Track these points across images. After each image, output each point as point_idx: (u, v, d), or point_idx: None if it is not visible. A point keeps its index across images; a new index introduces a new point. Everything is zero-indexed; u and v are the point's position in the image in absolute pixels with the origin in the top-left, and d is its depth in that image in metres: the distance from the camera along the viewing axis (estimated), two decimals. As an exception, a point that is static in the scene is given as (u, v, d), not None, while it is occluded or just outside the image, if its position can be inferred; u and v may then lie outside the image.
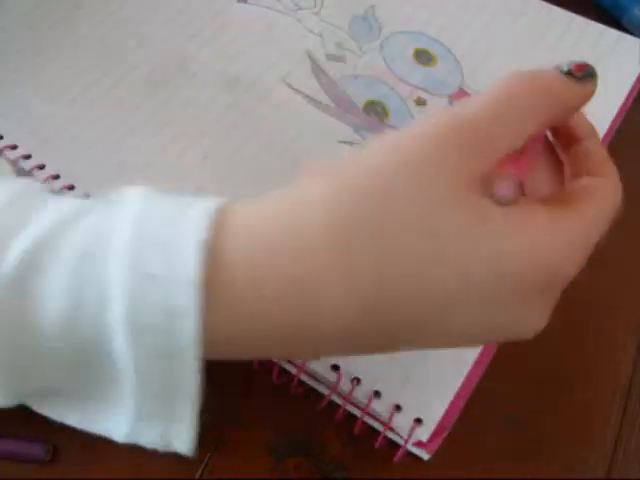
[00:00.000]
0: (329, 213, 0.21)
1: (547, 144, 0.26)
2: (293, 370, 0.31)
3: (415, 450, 0.30)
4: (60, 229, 0.21)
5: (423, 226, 0.21)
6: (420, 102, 0.41)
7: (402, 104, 0.40)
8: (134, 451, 0.24)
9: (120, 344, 0.21)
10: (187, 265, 0.20)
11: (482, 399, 0.31)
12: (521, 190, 0.23)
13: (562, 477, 0.31)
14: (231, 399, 0.31)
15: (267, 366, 0.31)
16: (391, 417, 0.30)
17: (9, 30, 0.41)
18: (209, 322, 0.21)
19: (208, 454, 0.30)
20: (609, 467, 0.31)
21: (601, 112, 0.41)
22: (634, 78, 0.43)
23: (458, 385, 0.31)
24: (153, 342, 0.21)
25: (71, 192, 0.35)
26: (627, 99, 0.42)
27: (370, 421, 0.31)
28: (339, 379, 0.30)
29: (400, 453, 0.30)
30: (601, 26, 0.45)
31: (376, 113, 0.40)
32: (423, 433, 0.29)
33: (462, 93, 0.41)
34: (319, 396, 0.31)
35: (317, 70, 0.42)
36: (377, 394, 0.30)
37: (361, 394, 0.30)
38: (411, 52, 0.43)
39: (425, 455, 0.30)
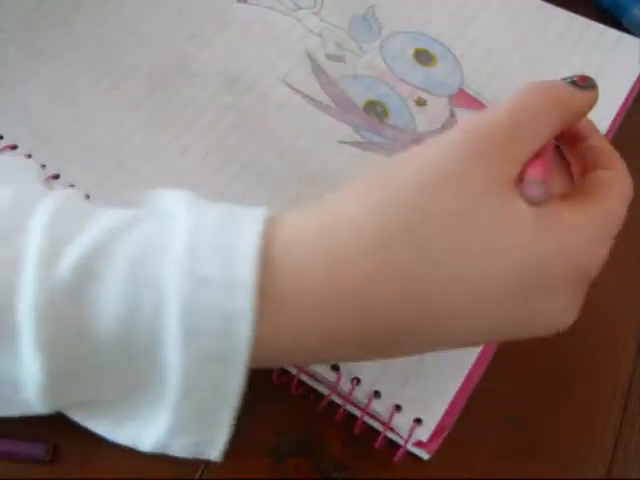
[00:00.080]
0: (374, 225, 0.22)
1: (554, 146, 0.27)
2: (293, 370, 0.31)
3: (415, 450, 0.30)
4: (114, 236, 0.22)
5: (461, 232, 0.22)
6: (420, 102, 0.41)
7: (402, 104, 0.41)
8: (134, 451, 0.25)
9: (172, 347, 0.21)
10: (243, 269, 0.21)
11: (482, 399, 0.31)
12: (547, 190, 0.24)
13: (562, 477, 0.31)
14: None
15: (267, 366, 0.31)
16: (391, 417, 0.30)
17: (9, 30, 0.41)
18: (261, 327, 0.21)
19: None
20: (609, 467, 0.31)
21: (601, 112, 0.41)
22: (634, 78, 0.43)
23: (458, 385, 0.31)
24: (206, 345, 0.21)
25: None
26: (627, 99, 0.42)
27: (370, 421, 0.31)
28: (339, 379, 0.30)
29: (400, 453, 0.30)
30: (601, 26, 0.45)
31: (376, 113, 0.40)
32: (423, 433, 0.29)
33: (462, 93, 0.41)
34: (319, 396, 0.31)
35: (317, 70, 0.42)
36: (377, 394, 0.30)
37: (361, 394, 0.30)
38: (411, 52, 0.43)
39: (425, 455, 0.30)
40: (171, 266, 0.21)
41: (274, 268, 0.22)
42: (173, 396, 0.22)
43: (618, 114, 0.41)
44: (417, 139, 0.39)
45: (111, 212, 0.23)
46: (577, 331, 0.34)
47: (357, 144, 0.38)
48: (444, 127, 0.40)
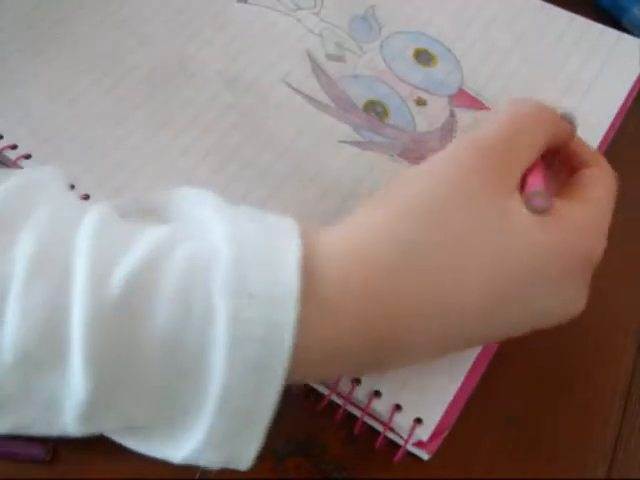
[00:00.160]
0: (395, 232, 0.25)
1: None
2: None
3: (415, 450, 0.30)
4: (160, 254, 0.23)
5: (472, 236, 0.25)
6: (420, 102, 0.41)
7: (402, 104, 0.41)
8: (134, 452, 0.25)
9: (217, 356, 0.22)
10: (288, 283, 0.22)
11: (482, 399, 0.31)
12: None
13: (562, 477, 0.31)
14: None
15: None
16: (391, 417, 0.30)
17: (9, 30, 0.41)
18: (304, 335, 0.22)
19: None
20: (609, 467, 0.31)
21: (601, 112, 0.41)
22: (634, 78, 0.43)
23: (458, 385, 0.31)
24: (250, 352, 0.22)
25: (71, 192, 0.35)
26: (627, 99, 0.42)
27: (370, 421, 0.31)
28: (339, 379, 0.30)
29: (400, 453, 0.30)
30: (601, 26, 0.45)
31: (376, 113, 0.40)
32: (423, 433, 0.29)
33: (462, 93, 0.41)
34: (319, 396, 0.31)
35: (317, 70, 0.42)
36: (377, 394, 0.30)
37: (361, 394, 0.30)
38: (411, 52, 0.43)
39: (425, 455, 0.30)
40: (219, 283, 0.22)
41: (314, 279, 0.23)
42: (211, 407, 0.22)
43: (618, 114, 0.41)
44: (417, 139, 0.39)
45: (151, 229, 0.24)
46: (577, 331, 0.35)
47: (357, 144, 0.38)
48: (444, 127, 0.40)
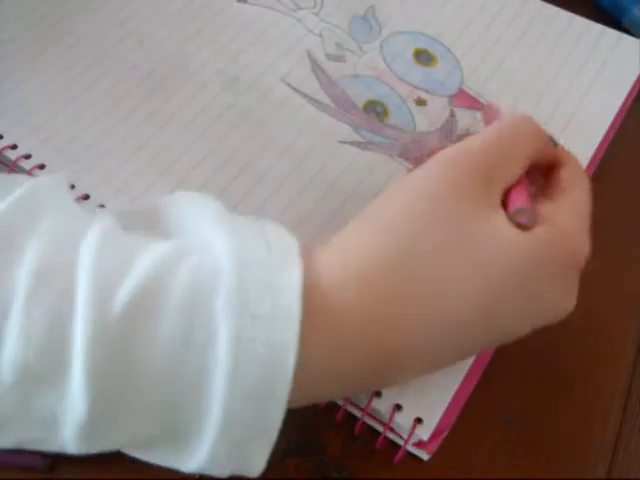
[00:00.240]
0: (382, 254, 0.25)
1: None
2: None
3: (415, 450, 0.30)
4: (163, 271, 0.23)
5: (459, 247, 0.25)
6: (420, 102, 0.41)
7: (402, 104, 0.41)
8: (135, 461, 0.25)
9: (219, 377, 0.22)
10: (289, 303, 0.22)
11: (482, 399, 0.31)
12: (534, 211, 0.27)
13: (562, 477, 0.31)
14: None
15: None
16: (391, 417, 0.30)
17: (9, 30, 0.41)
18: (305, 354, 0.22)
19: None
20: (609, 467, 0.31)
21: (601, 112, 0.41)
22: (634, 78, 0.43)
23: (458, 385, 0.31)
24: (253, 372, 0.22)
25: (71, 192, 0.35)
26: (627, 99, 0.42)
27: (370, 421, 0.31)
28: (339, 379, 0.30)
29: (400, 453, 0.30)
30: (601, 26, 0.45)
31: (376, 113, 0.40)
32: (423, 433, 0.29)
33: (462, 93, 0.41)
34: (319, 396, 0.31)
35: (317, 70, 0.42)
36: (377, 394, 0.30)
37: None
38: (411, 52, 0.43)
39: (425, 455, 0.30)
40: (222, 303, 0.22)
41: (314, 299, 0.23)
42: (214, 426, 0.22)
43: (618, 114, 0.41)
44: (417, 139, 0.39)
45: (154, 244, 0.24)
46: (577, 331, 0.35)
47: (357, 144, 0.38)
48: (444, 127, 0.40)
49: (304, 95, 0.40)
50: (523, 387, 0.33)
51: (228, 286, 0.22)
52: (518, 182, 0.27)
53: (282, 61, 0.42)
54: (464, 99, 0.41)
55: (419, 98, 0.41)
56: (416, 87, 0.41)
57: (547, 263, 0.26)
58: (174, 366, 0.22)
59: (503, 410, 0.32)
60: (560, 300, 0.27)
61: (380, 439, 0.30)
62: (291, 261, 0.23)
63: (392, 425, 0.30)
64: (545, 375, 0.33)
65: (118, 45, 0.41)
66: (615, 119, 0.41)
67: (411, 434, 0.29)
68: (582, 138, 0.40)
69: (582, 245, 0.27)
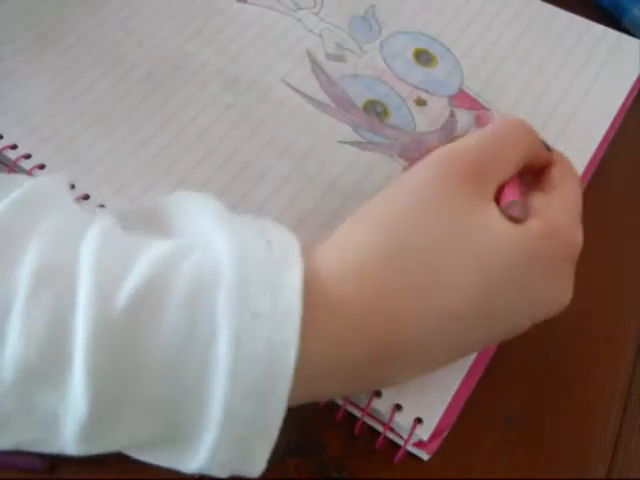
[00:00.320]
0: (380, 251, 0.25)
1: None
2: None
3: (415, 450, 0.30)
4: (166, 269, 0.23)
5: (454, 239, 0.25)
6: (420, 102, 0.41)
7: (402, 104, 0.41)
8: (136, 463, 0.25)
9: (219, 376, 0.22)
10: (290, 302, 0.22)
11: (482, 399, 0.31)
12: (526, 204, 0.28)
13: (562, 477, 0.31)
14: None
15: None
16: (391, 417, 0.30)
17: (9, 30, 0.41)
18: (306, 350, 0.22)
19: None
20: (609, 467, 0.31)
21: (601, 112, 0.41)
22: (634, 78, 0.43)
23: (458, 385, 0.31)
24: (253, 371, 0.22)
25: (71, 192, 0.35)
26: (627, 99, 0.42)
27: (370, 421, 0.31)
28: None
29: (400, 453, 0.30)
30: (601, 27, 0.45)
31: (376, 113, 0.40)
32: (423, 433, 0.29)
33: (462, 93, 0.41)
34: (319, 396, 0.31)
35: (317, 70, 0.42)
36: (377, 394, 0.30)
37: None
38: (411, 52, 0.43)
39: (425, 455, 0.30)
40: (223, 302, 0.22)
41: (314, 296, 0.23)
42: (215, 425, 0.22)
43: (618, 114, 0.41)
44: (417, 139, 0.39)
45: (155, 243, 0.24)
46: (577, 331, 0.35)
47: (357, 144, 0.38)
48: (444, 127, 0.40)
49: (304, 95, 0.40)
50: (523, 387, 0.33)
51: (229, 284, 0.22)
52: (510, 179, 0.28)
53: (282, 61, 0.42)
54: (464, 99, 0.41)
55: (419, 98, 0.41)
56: (416, 87, 0.41)
57: (540, 255, 0.26)
58: (175, 363, 0.22)
59: (503, 410, 0.32)
60: (557, 292, 0.27)
61: (380, 439, 0.30)
62: (292, 260, 0.24)
63: (392, 425, 0.30)
64: (545, 375, 0.33)
65: (118, 45, 0.41)
66: (615, 119, 0.41)
67: (411, 434, 0.29)
68: (582, 138, 0.40)
69: (575, 236, 0.27)
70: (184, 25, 0.43)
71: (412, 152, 0.38)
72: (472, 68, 0.43)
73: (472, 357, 0.31)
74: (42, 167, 0.36)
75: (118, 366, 0.22)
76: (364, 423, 0.31)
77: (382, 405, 0.30)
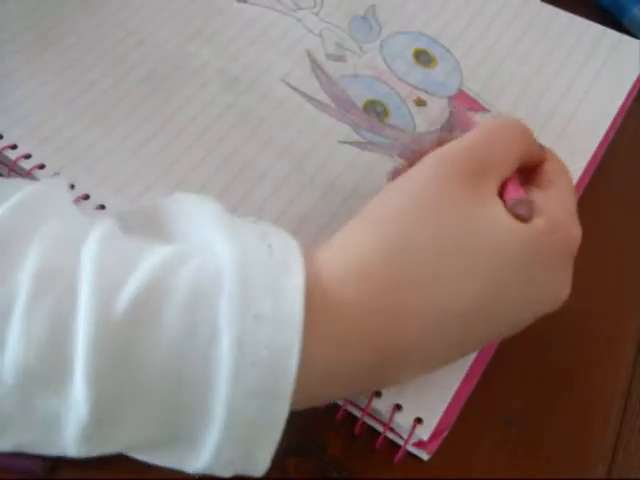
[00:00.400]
0: (381, 252, 0.25)
1: None
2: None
3: (415, 450, 0.30)
4: (167, 274, 0.23)
5: (456, 237, 0.25)
6: (420, 102, 0.41)
7: (402, 104, 0.41)
8: (137, 466, 0.25)
9: (221, 380, 0.22)
10: (291, 305, 0.22)
11: (482, 399, 0.31)
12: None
13: (562, 477, 0.31)
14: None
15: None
16: (391, 417, 0.30)
17: (9, 30, 0.41)
18: (307, 353, 0.22)
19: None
20: (609, 467, 0.31)
21: (601, 112, 0.41)
22: (634, 78, 0.43)
23: (458, 385, 0.31)
24: (255, 375, 0.22)
25: (71, 192, 0.35)
26: (627, 99, 0.42)
27: (370, 421, 0.31)
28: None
29: (400, 453, 0.30)
30: (601, 27, 0.45)
31: (376, 113, 0.40)
32: (423, 433, 0.29)
33: (462, 94, 0.41)
34: (319, 396, 0.31)
35: (317, 70, 0.42)
36: (377, 394, 0.30)
37: (361, 394, 0.30)
38: (411, 52, 0.43)
39: (425, 455, 0.30)
40: (225, 305, 0.22)
41: (316, 298, 0.23)
42: (217, 429, 0.22)
43: (618, 114, 0.41)
44: (417, 139, 0.39)
45: (156, 248, 0.24)
46: (577, 331, 0.35)
47: (357, 144, 0.38)
48: (443, 128, 0.40)
49: (304, 95, 0.40)
50: (523, 387, 0.33)
51: (230, 288, 0.22)
52: (511, 177, 0.28)
53: (282, 61, 0.42)
54: (464, 100, 0.41)
55: (419, 99, 0.41)
56: (416, 87, 0.41)
57: (542, 250, 0.26)
58: (176, 365, 0.22)
59: (503, 410, 0.32)
60: (557, 286, 0.28)
61: (380, 439, 0.30)
62: (293, 263, 0.24)
63: (392, 425, 0.30)
64: (545, 375, 0.33)
65: (118, 45, 0.41)
66: (615, 119, 0.41)
67: (411, 434, 0.29)
68: (582, 138, 0.40)
69: (574, 231, 0.28)
70: (184, 25, 0.43)
71: (412, 152, 0.38)
72: (472, 69, 0.43)
73: (472, 357, 0.31)
74: (42, 167, 0.36)
75: (119, 369, 0.22)
76: (364, 423, 0.31)
77: (382, 405, 0.30)
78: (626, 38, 0.45)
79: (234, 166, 0.37)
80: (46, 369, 0.22)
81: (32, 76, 0.39)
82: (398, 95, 0.41)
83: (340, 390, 0.26)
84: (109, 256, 0.23)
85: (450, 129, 0.40)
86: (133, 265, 0.23)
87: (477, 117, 0.31)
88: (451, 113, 0.41)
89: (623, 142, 0.41)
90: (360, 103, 0.40)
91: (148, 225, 0.27)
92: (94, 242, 0.23)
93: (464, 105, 0.41)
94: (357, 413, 0.31)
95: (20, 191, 0.25)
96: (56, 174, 0.35)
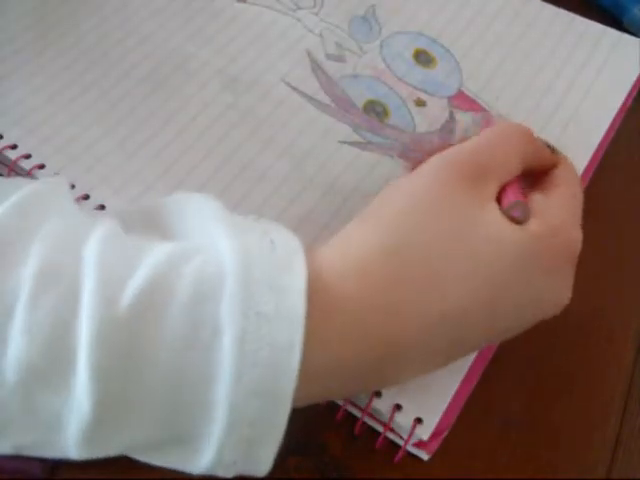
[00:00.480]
0: (383, 252, 0.25)
1: None
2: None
3: (415, 450, 0.30)
4: (170, 271, 0.23)
5: (456, 239, 0.26)
6: (420, 103, 0.41)
7: (402, 104, 0.41)
8: (138, 469, 0.25)
9: (223, 377, 0.22)
10: (294, 303, 0.22)
11: (482, 399, 0.31)
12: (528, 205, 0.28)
13: (562, 477, 0.31)
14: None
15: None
16: (391, 417, 0.30)
17: (9, 30, 0.41)
18: (308, 351, 0.22)
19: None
20: (609, 467, 0.31)
21: (601, 112, 0.41)
22: (634, 78, 0.43)
23: (458, 385, 0.31)
24: (257, 374, 0.22)
25: (71, 192, 0.35)
26: (627, 99, 0.42)
27: (370, 421, 0.31)
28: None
29: (400, 453, 0.30)
30: (601, 26, 0.45)
31: (376, 113, 0.40)
32: (423, 433, 0.29)
33: (461, 94, 0.41)
34: (319, 396, 0.31)
35: (317, 70, 0.42)
36: (377, 394, 0.30)
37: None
38: (411, 52, 0.43)
39: (425, 455, 0.30)
40: (227, 302, 0.22)
41: (318, 296, 0.23)
42: (220, 427, 0.22)
43: (618, 114, 0.41)
44: (417, 139, 0.39)
45: (158, 246, 0.24)
46: (577, 332, 0.35)
47: (357, 144, 0.38)
48: (443, 128, 0.40)
49: (304, 95, 0.40)
50: (523, 387, 0.33)
51: (233, 285, 0.22)
52: (512, 181, 0.28)
53: (282, 61, 0.42)
54: (463, 100, 0.41)
55: (419, 99, 0.41)
56: (415, 88, 0.41)
57: (540, 253, 0.27)
58: (179, 363, 0.22)
59: (503, 410, 0.32)
60: (557, 291, 0.28)
61: (380, 439, 0.30)
62: (295, 260, 0.24)
63: (392, 425, 0.30)
64: (545, 375, 0.33)
65: (118, 45, 0.41)
66: (615, 119, 0.41)
67: (411, 434, 0.29)
68: (582, 138, 0.40)
69: (573, 235, 0.28)
70: (184, 25, 0.43)
71: (412, 152, 0.38)
72: (472, 69, 0.43)
73: (472, 357, 0.31)
74: (42, 167, 0.36)
75: (122, 366, 0.22)
76: (364, 423, 0.31)
77: (382, 405, 0.30)
78: (626, 37, 0.45)
79: (234, 166, 0.37)
80: (49, 365, 0.22)
81: (32, 76, 0.39)
82: (398, 95, 0.41)
83: (340, 387, 0.26)
84: (112, 254, 0.23)
85: (450, 129, 0.40)
86: (136, 262, 0.23)
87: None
88: (451, 113, 0.40)
89: (623, 142, 0.41)
90: (360, 103, 0.40)
91: (149, 224, 0.27)
92: (96, 241, 0.23)
93: (464, 105, 0.41)
94: (357, 413, 0.31)
95: (21, 190, 0.25)
96: (56, 174, 0.35)
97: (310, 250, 0.25)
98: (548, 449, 0.31)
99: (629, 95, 0.42)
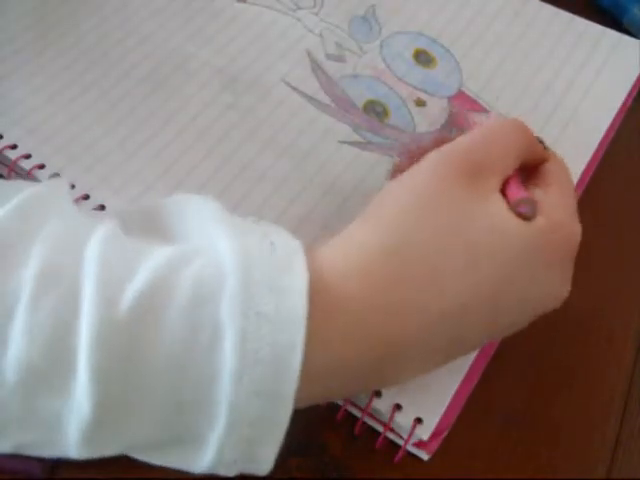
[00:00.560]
0: (384, 250, 0.25)
1: None
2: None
3: (415, 450, 0.30)
4: (170, 273, 0.23)
5: (456, 235, 0.26)
6: (420, 103, 0.41)
7: (402, 104, 0.41)
8: (134, 461, 0.24)
9: (224, 378, 0.22)
10: (295, 304, 0.22)
11: (482, 399, 0.31)
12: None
13: (562, 477, 0.31)
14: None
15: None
16: (391, 417, 0.30)
17: (9, 30, 0.41)
18: (309, 351, 0.22)
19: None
20: (609, 467, 0.31)
21: (601, 112, 0.41)
22: (634, 78, 0.43)
23: (458, 385, 0.31)
24: (258, 374, 0.22)
25: (71, 192, 0.35)
26: (627, 99, 0.42)
27: (370, 421, 0.31)
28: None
29: (400, 453, 0.30)
30: (601, 27, 0.45)
31: (376, 113, 0.40)
32: (423, 433, 0.29)
33: (461, 94, 0.41)
34: (319, 396, 0.31)
35: (317, 70, 0.42)
36: (377, 394, 0.30)
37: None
38: (411, 52, 0.43)
39: (425, 455, 0.30)
40: (227, 303, 0.22)
41: (319, 297, 0.23)
42: (221, 427, 0.22)
43: (618, 114, 0.41)
44: (417, 139, 0.39)
45: (158, 248, 0.24)
46: (577, 331, 0.35)
47: (357, 144, 0.38)
48: (443, 128, 0.40)
49: (304, 95, 0.40)
50: (523, 387, 0.33)
51: (233, 286, 0.22)
52: (513, 175, 0.28)
53: (282, 61, 0.42)
54: (463, 100, 0.41)
55: (419, 99, 0.41)
56: (415, 88, 0.41)
57: (543, 248, 0.27)
58: (180, 363, 0.22)
59: (503, 410, 0.32)
60: (557, 285, 0.28)
61: (380, 439, 0.30)
62: (296, 260, 0.24)
63: (392, 425, 0.30)
64: (545, 375, 0.33)
65: (118, 45, 0.41)
66: (615, 119, 0.41)
67: (411, 434, 0.29)
68: (582, 138, 0.40)
69: (574, 230, 0.28)
70: (184, 25, 0.43)
71: (412, 152, 0.38)
72: (472, 69, 0.43)
73: (472, 357, 0.31)
74: (42, 167, 0.36)
75: (122, 368, 0.22)
76: (364, 423, 0.31)
77: (382, 405, 0.30)
78: (626, 38, 0.45)
79: (234, 166, 0.37)
80: (49, 366, 0.22)
81: (32, 76, 0.39)
82: (398, 95, 0.41)
83: (341, 387, 0.26)
84: (112, 256, 0.23)
85: (450, 129, 0.40)
86: (136, 264, 0.23)
87: (477, 118, 0.31)
88: (450, 113, 0.41)
89: (623, 142, 0.41)
90: (360, 103, 0.40)
91: (148, 225, 0.27)
92: (97, 242, 0.23)
93: (464, 105, 0.41)
94: (357, 413, 0.31)
95: (21, 192, 0.25)
96: (56, 174, 0.35)
97: (311, 251, 0.25)
98: (548, 448, 0.31)
99: (629, 95, 0.42)
